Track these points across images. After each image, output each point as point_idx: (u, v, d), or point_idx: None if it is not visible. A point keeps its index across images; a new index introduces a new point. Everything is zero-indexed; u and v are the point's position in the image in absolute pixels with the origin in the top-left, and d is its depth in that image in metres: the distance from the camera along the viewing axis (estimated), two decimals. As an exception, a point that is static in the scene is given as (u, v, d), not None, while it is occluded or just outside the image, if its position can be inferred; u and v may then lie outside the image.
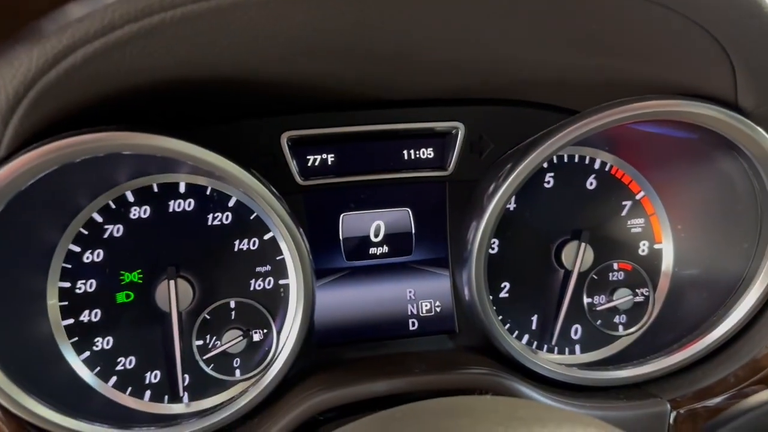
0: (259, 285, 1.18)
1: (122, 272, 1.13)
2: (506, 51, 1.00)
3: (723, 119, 1.04)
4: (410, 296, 1.27)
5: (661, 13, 0.85)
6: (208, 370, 1.14)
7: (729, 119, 1.04)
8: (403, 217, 1.26)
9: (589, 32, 0.92)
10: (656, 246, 1.32)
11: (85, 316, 1.12)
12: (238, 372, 1.16)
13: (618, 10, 0.86)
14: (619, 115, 1.06)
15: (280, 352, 1.10)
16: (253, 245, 1.17)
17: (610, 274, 1.29)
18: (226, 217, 1.17)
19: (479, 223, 1.11)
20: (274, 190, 1.05)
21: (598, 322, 1.28)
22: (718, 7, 0.85)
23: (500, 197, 1.10)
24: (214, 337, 1.15)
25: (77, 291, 1.11)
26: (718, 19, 0.87)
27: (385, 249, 1.25)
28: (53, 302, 1.10)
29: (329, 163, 1.21)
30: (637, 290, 1.29)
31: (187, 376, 1.14)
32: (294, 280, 1.12)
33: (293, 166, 1.18)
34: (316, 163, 1.21)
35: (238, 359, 1.16)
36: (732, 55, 0.94)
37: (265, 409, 1.07)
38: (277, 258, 1.17)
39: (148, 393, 1.15)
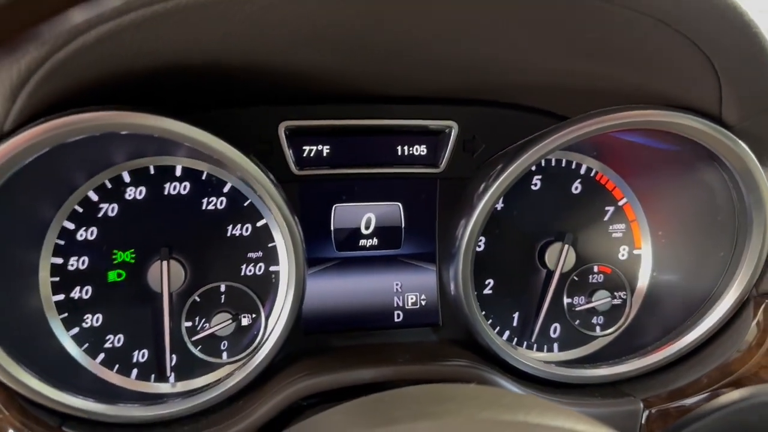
0: (250, 270, 1.19)
1: (115, 251, 1.14)
2: (499, 52, 1.02)
3: (706, 131, 1.07)
4: (397, 288, 1.29)
5: (650, 24, 0.87)
6: (195, 351, 1.15)
7: (712, 132, 1.07)
8: (393, 211, 1.28)
9: (580, 40, 0.95)
10: (636, 251, 1.36)
11: (75, 293, 1.13)
12: (225, 355, 1.17)
13: (607, 19, 0.88)
14: (607, 123, 1.09)
15: (268, 337, 1.11)
16: (246, 231, 1.19)
17: (591, 276, 1.33)
18: (221, 203, 1.18)
19: (468, 220, 1.14)
20: (272, 177, 1.06)
21: (577, 321, 1.31)
22: (706, 20, 0.88)
23: (489, 197, 1.12)
24: (203, 320, 1.16)
25: (69, 267, 1.12)
26: (706, 33, 0.90)
27: (375, 241, 1.28)
28: (45, 277, 1.11)
29: (324, 154, 1.23)
30: (615, 293, 1.32)
31: (174, 356, 1.15)
32: (285, 267, 1.14)
33: (289, 155, 1.20)
34: (312, 154, 1.22)
35: (226, 342, 1.18)
36: (718, 69, 0.97)
37: (250, 392, 1.09)
38: (269, 245, 1.19)
39: (135, 371, 1.16)
